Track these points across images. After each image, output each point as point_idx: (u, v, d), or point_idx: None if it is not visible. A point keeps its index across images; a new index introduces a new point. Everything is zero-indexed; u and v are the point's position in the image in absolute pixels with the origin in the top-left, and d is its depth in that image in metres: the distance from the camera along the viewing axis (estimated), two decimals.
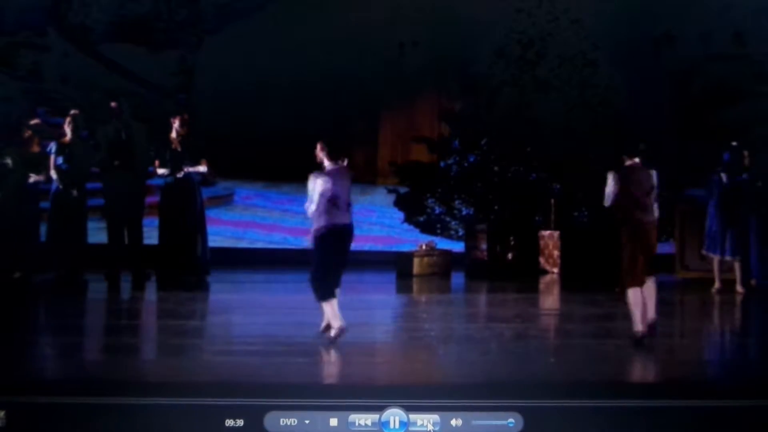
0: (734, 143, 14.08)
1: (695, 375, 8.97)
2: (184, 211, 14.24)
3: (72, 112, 14.24)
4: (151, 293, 13.68)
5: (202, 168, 14.24)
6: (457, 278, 15.91)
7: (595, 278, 13.64)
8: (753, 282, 14.33)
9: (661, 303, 10.29)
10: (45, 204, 14.32)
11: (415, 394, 7.33)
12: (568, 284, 14.87)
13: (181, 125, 14.18)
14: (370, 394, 7.38)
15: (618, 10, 17.76)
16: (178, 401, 7.19)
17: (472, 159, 18.04)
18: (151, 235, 14.58)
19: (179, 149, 14.17)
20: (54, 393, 7.37)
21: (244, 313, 12.33)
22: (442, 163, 18.38)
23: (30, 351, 9.72)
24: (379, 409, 7.13)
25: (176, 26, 18.39)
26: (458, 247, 17.04)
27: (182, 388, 7.50)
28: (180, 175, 14.11)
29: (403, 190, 18.31)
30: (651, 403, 7.25)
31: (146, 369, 9.11)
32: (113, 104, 14.63)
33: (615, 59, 18.03)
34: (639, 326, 9.83)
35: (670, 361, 9.61)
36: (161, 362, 9.48)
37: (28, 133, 14.28)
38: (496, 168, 17.87)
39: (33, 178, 14.02)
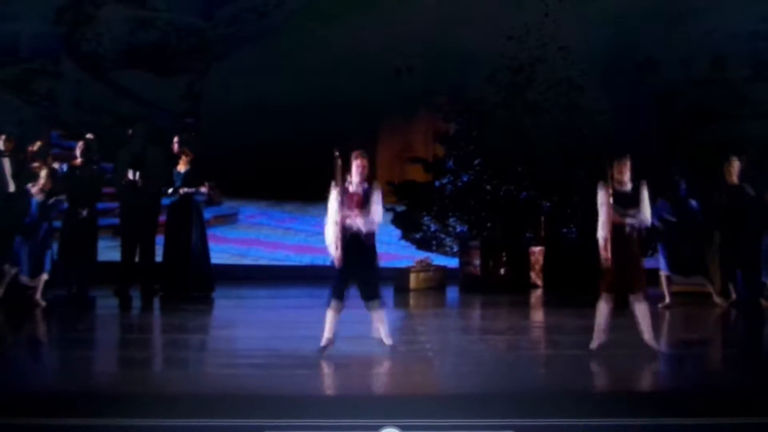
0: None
1: (695, 390, 8.52)
2: (181, 230, 14.04)
3: (87, 136, 14.03)
4: (156, 309, 13.32)
5: (203, 189, 14.02)
6: (452, 292, 15.60)
7: (583, 291, 13.26)
8: (733, 296, 13.82)
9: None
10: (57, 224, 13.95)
11: (411, 413, 6.93)
12: (556, 298, 14.57)
13: (179, 147, 14.00)
14: (366, 413, 7.00)
15: (603, 36, 17.54)
16: (172, 422, 6.82)
17: (465, 178, 17.78)
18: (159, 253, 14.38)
19: (180, 170, 13.94)
20: (38, 413, 6.99)
21: (246, 328, 12.08)
22: (437, 183, 18.07)
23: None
24: (375, 429, 6.72)
25: (184, 53, 18.18)
26: (453, 262, 16.70)
27: (177, 407, 7.19)
28: (178, 195, 13.87)
29: (400, 208, 18.02)
30: (652, 421, 6.85)
31: (145, 385, 8.64)
32: (130, 131, 14.46)
33: (600, 83, 17.75)
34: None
35: (667, 375, 9.27)
36: (160, 378, 9.12)
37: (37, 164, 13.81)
38: (488, 187, 17.61)
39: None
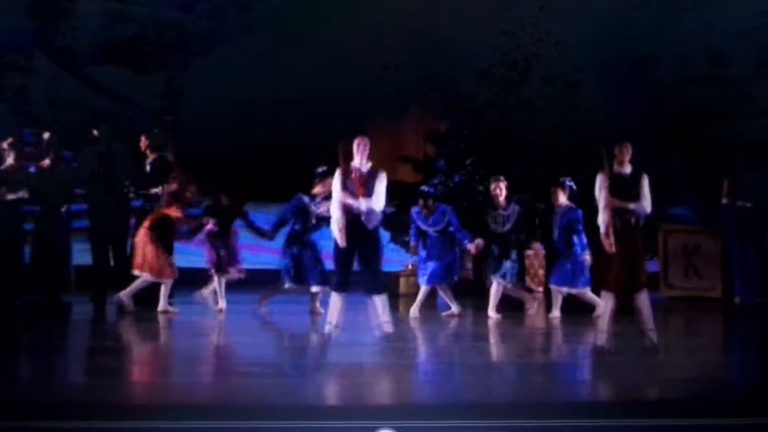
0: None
1: (696, 393, 8.40)
2: None
3: (45, 135, 13.73)
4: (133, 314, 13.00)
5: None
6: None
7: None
8: (737, 300, 14.10)
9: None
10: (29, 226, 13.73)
11: (405, 415, 6.87)
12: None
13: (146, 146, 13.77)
14: (360, 415, 6.99)
15: (600, 32, 17.38)
16: (158, 424, 6.81)
17: (457, 179, 17.49)
18: None
19: (149, 170, 13.71)
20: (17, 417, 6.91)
21: (230, 334, 12.06)
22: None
23: None
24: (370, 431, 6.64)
25: (163, 48, 17.99)
26: None
27: (163, 412, 7.19)
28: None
29: (389, 209, 17.72)
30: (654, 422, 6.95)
31: (124, 393, 8.35)
32: (94, 132, 14.16)
33: (597, 80, 17.58)
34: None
35: (666, 379, 9.03)
36: (139, 386, 8.79)
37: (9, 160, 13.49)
38: (481, 188, 17.29)
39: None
